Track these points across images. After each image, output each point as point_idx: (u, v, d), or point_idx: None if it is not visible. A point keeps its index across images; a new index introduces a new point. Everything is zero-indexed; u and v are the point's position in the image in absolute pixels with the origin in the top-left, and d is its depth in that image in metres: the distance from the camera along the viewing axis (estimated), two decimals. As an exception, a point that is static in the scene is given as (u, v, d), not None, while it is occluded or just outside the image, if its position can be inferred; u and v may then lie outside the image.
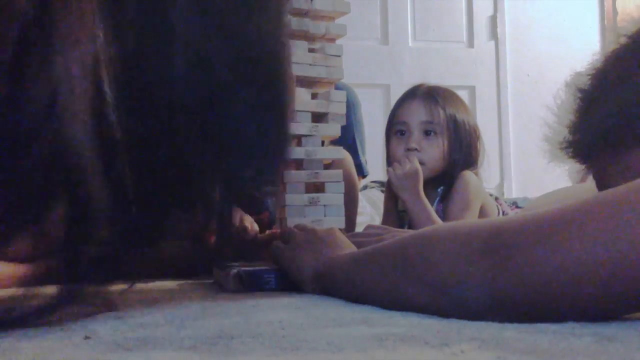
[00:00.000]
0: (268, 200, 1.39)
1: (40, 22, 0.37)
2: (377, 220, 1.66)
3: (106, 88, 0.39)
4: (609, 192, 0.44)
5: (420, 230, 0.57)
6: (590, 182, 0.77)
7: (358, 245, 0.78)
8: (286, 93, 0.51)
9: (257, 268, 0.82)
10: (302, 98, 0.88)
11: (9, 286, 0.96)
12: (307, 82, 0.89)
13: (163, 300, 0.73)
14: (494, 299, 0.46)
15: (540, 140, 0.67)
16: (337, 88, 0.93)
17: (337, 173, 0.90)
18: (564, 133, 0.64)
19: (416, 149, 1.33)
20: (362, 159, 1.78)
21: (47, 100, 0.37)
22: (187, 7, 0.42)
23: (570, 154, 0.64)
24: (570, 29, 3.24)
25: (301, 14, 0.88)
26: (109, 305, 0.58)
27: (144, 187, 0.46)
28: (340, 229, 0.86)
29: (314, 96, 0.89)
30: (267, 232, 1.10)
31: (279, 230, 0.94)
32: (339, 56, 0.89)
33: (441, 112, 1.34)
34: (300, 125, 0.88)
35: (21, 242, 0.97)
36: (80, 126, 0.39)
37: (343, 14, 0.90)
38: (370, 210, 1.92)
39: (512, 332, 0.43)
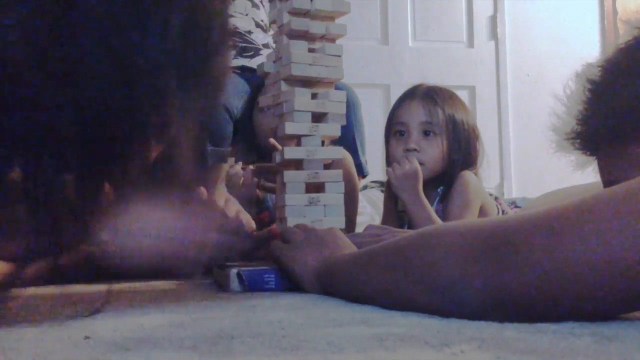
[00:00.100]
0: (268, 200, 1.39)
1: None
2: (377, 220, 1.66)
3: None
4: (609, 191, 0.44)
5: (419, 230, 0.57)
6: (592, 181, 0.77)
7: (358, 245, 0.78)
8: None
9: (257, 268, 0.82)
10: (302, 98, 0.88)
11: (9, 286, 0.96)
12: (307, 82, 0.89)
13: (163, 300, 0.73)
14: (493, 298, 0.46)
15: (547, 130, 0.67)
16: (337, 88, 0.93)
17: (337, 173, 0.90)
18: (572, 124, 0.63)
19: (415, 150, 1.33)
20: (362, 159, 1.78)
21: None
22: None
23: (576, 145, 0.64)
24: (570, 29, 3.24)
25: (301, 13, 0.88)
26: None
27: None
28: (340, 229, 0.86)
29: (313, 96, 0.89)
30: (266, 229, 1.10)
31: (275, 227, 0.94)
32: (339, 56, 0.89)
33: (440, 112, 1.34)
34: (300, 125, 0.88)
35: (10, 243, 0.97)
36: None
37: (343, 14, 0.90)
38: (370, 210, 1.92)
39: (512, 332, 0.43)
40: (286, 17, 0.87)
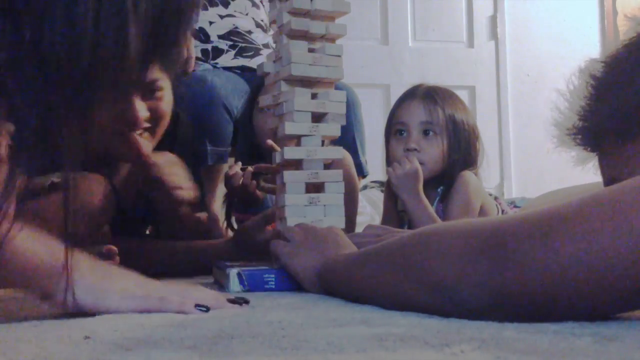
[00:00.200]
0: (268, 201, 1.39)
1: None
2: (377, 220, 1.66)
3: None
4: (607, 191, 0.44)
5: (419, 230, 0.57)
6: (592, 179, 0.77)
7: (358, 245, 0.78)
8: None
9: (257, 268, 0.82)
10: (302, 98, 0.88)
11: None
12: (307, 82, 0.89)
13: (163, 300, 0.73)
14: (493, 297, 0.46)
15: (548, 127, 0.66)
16: (337, 88, 0.93)
17: (337, 173, 0.90)
18: (574, 119, 0.63)
19: (415, 149, 1.33)
20: (362, 159, 1.78)
21: None
22: None
23: (578, 141, 0.64)
24: (570, 29, 3.24)
25: (301, 14, 0.88)
26: None
27: None
28: (340, 229, 0.86)
29: (313, 96, 0.89)
30: (269, 227, 1.10)
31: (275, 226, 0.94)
32: (339, 56, 0.89)
33: (440, 112, 1.34)
34: (300, 125, 0.88)
35: None
36: None
37: (343, 14, 0.89)
38: (370, 210, 1.92)
39: (512, 332, 0.43)
40: (286, 17, 0.87)
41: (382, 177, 2.04)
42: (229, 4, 1.82)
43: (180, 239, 1.18)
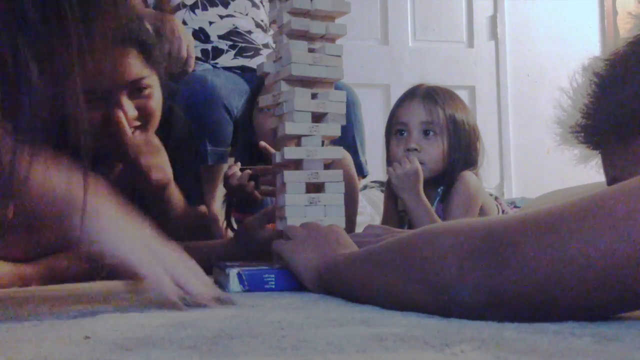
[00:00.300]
0: (268, 202, 1.39)
1: None
2: (377, 220, 1.66)
3: None
4: (608, 190, 0.44)
5: (419, 230, 0.57)
6: (593, 179, 0.77)
7: (358, 245, 0.78)
8: None
9: (257, 268, 0.82)
10: (302, 98, 0.88)
11: (10, 285, 0.96)
12: (307, 82, 0.89)
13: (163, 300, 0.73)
14: (492, 297, 0.46)
15: (550, 124, 0.66)
16: (336, 88, 0.93)
17: (337, 173, 0.90)
18: (577, 117, 0.63)
19: (416, 149, 1.33)
20: (362, 159, 1.78)
21: None
22: None
23: (581, 139, 0.64)
24: (570, 29, 3.24)
25: (301, 14, 0.88)
26: None
27: None
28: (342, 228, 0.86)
29: (313, 96, 0.89)
30: (269, 226, 1.10)
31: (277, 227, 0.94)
32: (339, 56, 0.89)
33: (440, 112, 1.34)
34: (300, 125, 0.88)
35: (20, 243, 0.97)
36: None
37: (343, 13, 0.89)
38: (370, 210, 1.92)
39: (512, 332, 0.43)
40: (286, 17, 0.87)
41: (382, 177, 2.04)
42: (228, 4, 1.82)
43: (180, 236, 1.17)
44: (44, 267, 1.00)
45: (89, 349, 0.42)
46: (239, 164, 1.35)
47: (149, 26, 1.17)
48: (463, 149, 1.35)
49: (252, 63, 1.78)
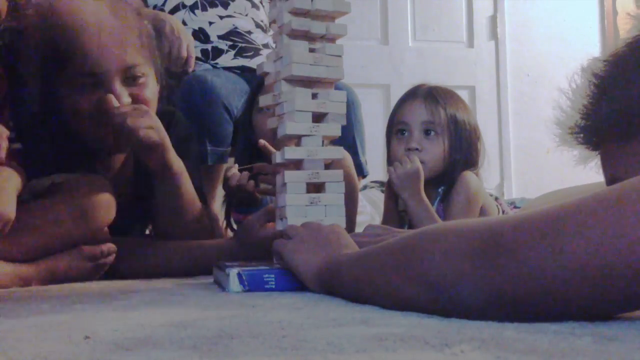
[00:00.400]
0: (267, 200, 1.39)
1: None
2: (377, 220, 1.66)
3: None
4: (608, 190, 0.44)
5: (420, 230, 0.57)
6: (593, 179, 0.77)
7: (358, 245, 0.78)
8: None
9: (257, 268, 0.82)
10: (303, 98, 0.88)
11: (10, 285, 0.96)
12: (307, 82, 0.89)
13: (163, 300, 0.73)
14: (492, 297, 0.46)
15: (550, 125, 0.66)
16: (337, 88, 0.93)
17: (337, 173, 0.90)
18: (577, 118, 0.63)
19: (417, 149, 1.33)
20: (362, 159, 1.78)
21: None
22: None
23: (580, 140, 0.64)
24: (570, 29, 3.24)
25: (302, 13, 0.88)
26: None
27: None
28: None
29: (314, 96, 0.89)
30: (270, 224, 1.10)
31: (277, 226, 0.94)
32: (340, 56, 0.89)
33: (442, 112, 1.34)
34: (300, 125, 0.88)
35: (22, 242, 0.97)
36: None
37: (343, 14, 0.89)
38: (371, 209, 1.91)
39: (512, 332, 0.43)
40: (287, 17, 0.87)
41: (382, 177, 2.04)
42: (228, 4, 1.82)
43: (181, 224, 1.15)
44: (44, 267, 1.00)
45: (89, 349, 0.42)
46: (236, 165, 1.35)
47: (147, 22, 1.17)
48: (464, 149, 1.35)
49: (252, 63, 1.78)
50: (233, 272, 0.80)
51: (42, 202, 1.00)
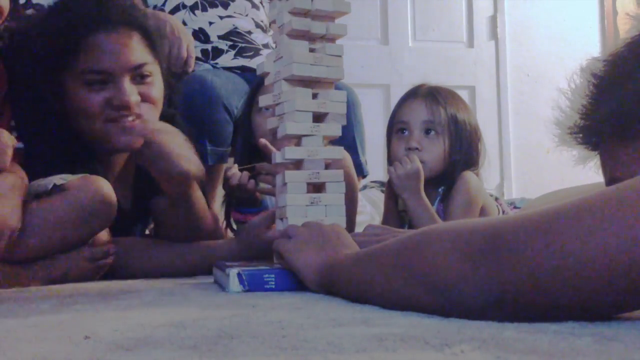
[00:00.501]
0: (267, 200, 1.39)
1: None
2: (377, 220, 1.66)
3: None
4: (608, 191, 0.44)
5: (420, 230, 0.57)
6: (592, 179, 0.77)
7: (358, 245, 0.78)
8: None
9: (257, 268, 0.82)
10: (303, 98, 0.88)
11: (10, 286, 0.96)
12: (308, 82, 0.89)
13: (163, 300, 0.73)
14: (492, 297, 0.46)
15: (549, 126, 0.66)
16: (336, 88, 0.93)
17: (338, 173, 0.90)
18: (576, 118, 0.63)
19: (417, 148, 1.33)
20: (362, 159, 1.78)
21: None
22: None
23: (579, 140, 0.64)
24: (570, 29, 3.24)
25: (302, 13, 0.88)
26: None
27: None
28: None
29: (314, 96, 0.89)
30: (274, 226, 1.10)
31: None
32: (340, 56, 0.89)
33: (442, 111, 1.34)
34: (301, 125, 0.88)
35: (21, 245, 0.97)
36: None
37: (343, 14, 0.89)
38: (371, 209, 1.91)
39: (512, 332, 0.43)
40: (287, 17, 0.87)
41: (382, 177, 2.04)
42: (228, 5, 1.82)
43: (186, 233, 1.15)
44: (44, 268, 1.00)
45: (89, 349, 0.42)
46: (236, 165, 1.35)
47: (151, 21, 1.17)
48: (464, 149, 1.35)
49: (252, 63, 1.78)
50: (233, 272, 0.80)
51: (42, 203, 1.00)
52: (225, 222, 1.43)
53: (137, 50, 1.08)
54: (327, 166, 0.92)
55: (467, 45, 3.16)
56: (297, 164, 0.90)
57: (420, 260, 0.52)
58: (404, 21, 3.06)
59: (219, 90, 1.64)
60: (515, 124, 3.18)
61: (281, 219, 0.90)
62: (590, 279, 0.42)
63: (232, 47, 1.80)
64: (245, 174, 1.29)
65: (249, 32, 1.83)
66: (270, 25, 1.88)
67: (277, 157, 0.90)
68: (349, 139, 1.65)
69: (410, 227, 1.31)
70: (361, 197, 1.67)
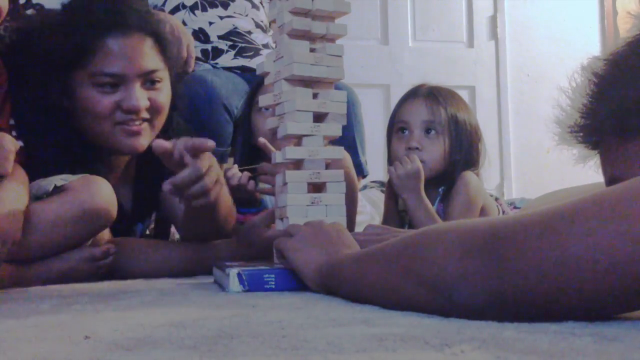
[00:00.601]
0: (266, 200, 1.39)
1: None
2: (377, 220, 1.66)
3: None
4: (608, 191, 0.44)
5: (420, 230, 0.57)
6: (592, 179, 0.77)
7: (359, 245, 0.79)
8: None
9: (257, 268, 0.82)
10: (304, 98, 0.88)
11: (10, 286, 0.96)
12: (308, 82, 0.89)
13: (163, 300, 0.73)
14: (492, 297, 0.46)
15: (549, 124, 0.66)
16: (336, 88, 0.93)
17: (338, 173, 0.90)
18: (576, 117, 0.63)
19: (417, 148, 1.33)
20: (362, 159, 1.78)
21: None
22: None
23: (579, 139, 0.64)
24: (570, 29, 3.24)
25: (302, 13, 0.88)
26: None
27: None
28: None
29: (315, 96, 0.89)
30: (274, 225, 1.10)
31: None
32: (340, 56, 0.89)
33: (442, 111, 1.34)
34: (301, 125, 0.88)
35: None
36: None
37: (343, 14, 0.89)
38: (371, 209, 1.91)
39: (512, 332, 0.43)
40: (287, 17, 0.87)
41: (382, 177, 2.04)
42: (228, 5, 1.82)
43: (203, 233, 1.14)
44: (44, 268, 1.00)
45: (89, 349, 0.42)
46: (236, 165, 1.35)
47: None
48: (464, 149, 1.35)
49: (252, 63, 1.78)
50: (233, 272, 0.80)
51: (43, 203, 1.00)
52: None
53: (150, 56, 1.09)
54: (327, 166, 0.92)
55: (467, 45, 3.16)
56: (298, 164, 0.90)
57: (421, 260, 0.52)
58: (404, 21, 3.06)
59: (219, 90, 1.64)
60: (515, 124, 3.18)
61: (281, 219, 0.90)
62: (590, 278, 0.42)
63: (232, 47, 1.80)
64: (246, 174, 1.29)
65: (249, 32, 1.83)
66: (270, 24, 1.88)
67: (278, 157, 0.90)
68: (349, 139, 1.65)
69: (410, 227, 1.31)
70: (361, 197, 1.68)
